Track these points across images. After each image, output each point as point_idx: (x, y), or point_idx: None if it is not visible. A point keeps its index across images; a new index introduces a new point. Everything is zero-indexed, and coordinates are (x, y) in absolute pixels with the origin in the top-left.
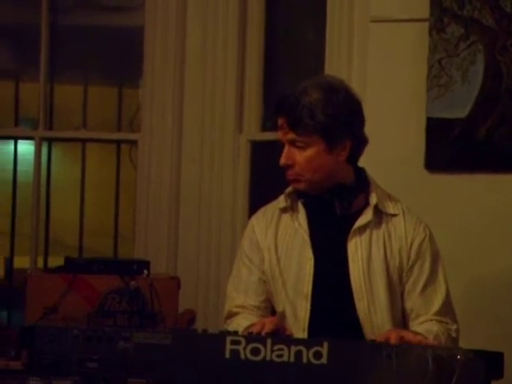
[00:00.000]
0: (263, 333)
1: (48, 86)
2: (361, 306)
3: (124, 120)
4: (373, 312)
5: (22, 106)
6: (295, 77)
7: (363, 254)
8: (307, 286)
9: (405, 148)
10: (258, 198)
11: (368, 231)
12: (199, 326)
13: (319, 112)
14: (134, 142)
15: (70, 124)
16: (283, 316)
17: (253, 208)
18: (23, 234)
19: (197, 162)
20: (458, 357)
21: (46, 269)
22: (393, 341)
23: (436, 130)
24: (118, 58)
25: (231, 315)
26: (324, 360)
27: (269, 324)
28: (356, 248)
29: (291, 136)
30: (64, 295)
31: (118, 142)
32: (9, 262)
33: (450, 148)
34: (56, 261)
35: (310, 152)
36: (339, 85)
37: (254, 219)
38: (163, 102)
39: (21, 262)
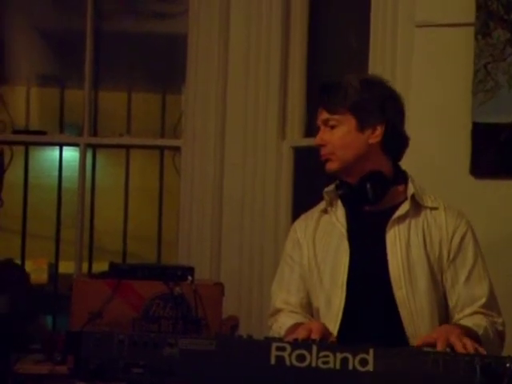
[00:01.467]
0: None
1: (93, 92)
2: (399, 295)
3: (167, 126)
4: (412, 301)
5: (67, 112)
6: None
7: (402, 244)
8: (343, 276)
9: (450, 153)
10: (301, 204)
11: (407, 221)
12: (242, 332)
13: (353, 92)
14: (177, 148)
15: (114, 130)
16: (319, 311)
17: (295, 214)
18: (66, 240)
19: (240, 168)
20: (507, 365)
21: (91, 274)
22: (440, 347)
23: (482, 135)
24: (162, 65)
25: (276, 312)
26: (370, 367)
27: (315, 333)
28: (395, 238)
29: (324, 116)
30: (109, 301)
31: (162, 148)
32: (52, 267)
33: (496, 153)
34: (99, 266)
35: (341, 130)
36: (379, 78)
37: (296, 222)
38: (206, 108)
39: (64, 266)
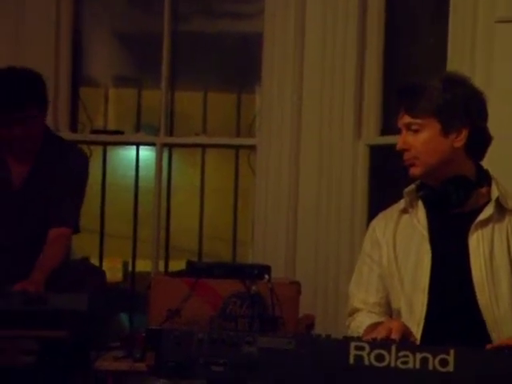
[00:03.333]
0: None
1: (169, 93)
2: (483, 299)
3: (243, 125)
4: (495, 305)
5: (143, 112)
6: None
7: (485, 249)
8: (424, 280)
9: None
10: (377, 203)
11: (490, 225)
12: (318, 331)
13: (436, 95)
14: (252, 147)
15: (190, 130)
16: (399, 313)
17: (371, 212)
18: (141, 238)
19: (315, 166)
20: None
21: (168, 273)
22: None
23: None
24: (237, 64)
25: (354, 311)
26: (450, 368)
27: (395, 332)
28: (478, 242)
29: (407, 119)
30: (186, 299)
31: (237, 148)
32: (127, 265)
33: None
34: (174, 265)
35: (425, 134)
36: (460, 76)
37: (374, 220)
38: (282, 107)
39: (140, 265)
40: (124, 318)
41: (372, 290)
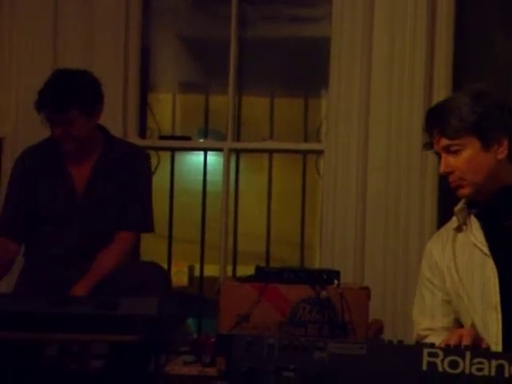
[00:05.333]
0: (462, 345)
1: (236, 98)
2: None
3: (310, 130)
4: None
5: (211, 118)
6: (484, 83)
7: None
8: (495, 297)
9: None
10: (447, 206)
11: None
12: (387, 336)
13: (467, 112)
14: (319, 152)
15: (257, 135)
16: None
17: (442, 216)
18: (208, 243)
19: (383, 171)
20: None
21: (237, 278)
22: None
23: None
24: (304, 69)
25: (420, 339)
26: None
27: (467, 337)
28: None
29: (444, 142)
30: (256, 304)
31: (304, 152)
32: (193, 270)
33: None
34: (241, 269)
35: (466, 154)
36: (487, 89)
37: (430, 243)
38: (349, 111)
39: (206, 269)
40: (191, 322)
41: (438, 315)
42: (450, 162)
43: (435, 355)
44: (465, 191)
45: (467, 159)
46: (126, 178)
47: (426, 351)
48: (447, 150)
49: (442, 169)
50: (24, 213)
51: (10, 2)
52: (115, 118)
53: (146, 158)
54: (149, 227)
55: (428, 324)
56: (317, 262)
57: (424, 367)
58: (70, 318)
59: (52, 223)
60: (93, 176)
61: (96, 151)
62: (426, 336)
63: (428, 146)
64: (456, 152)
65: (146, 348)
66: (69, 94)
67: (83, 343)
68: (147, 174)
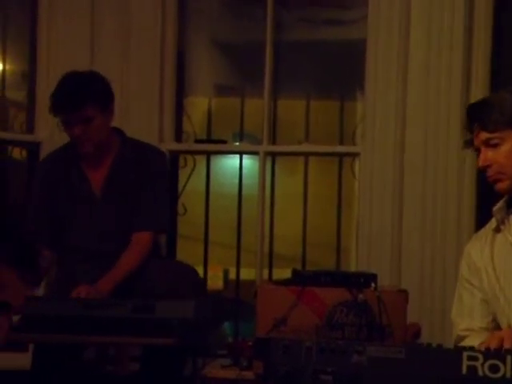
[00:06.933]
0: (503, 349)
1: (271, 101)
2: None
3: (346, 133)
4: None
5: (246, 121)
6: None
7: None
8: None
9: None
10: (485, 209)
11: None
12: (424, 340)
13: (508, 106)
14: (355, 155)
15: (292, 138)
16: None
17: (479, 218)
18: (243, 246)
19: (420, 173)
20: None
21: (274, 281)
22: None
23: None
24: (339, 72)
25: (459, 339)
26: None
27: (508, 340)
28: None
29: (484, 136)
30: (293, 307)
31: (340, 155)
32: (228, 273)
33: None
34: (277, 273)
35: (505, 147)
36: None
37: (469, 244)
38: (385, 114)
39: (241, 273)
40: (226, 325)
41: (477, 315)
42: (488, 155)
43: (475, 359)
44: (503, 185)
45: (506, 153)
46: (142, 179)
47: (465, 355)
48: (487, 143)
49: (481, 163)
50: (48, 218)
51: (47, 6)
52: (151, 122)
53: (162, 158)
54: (163, 227)
55: (467, 325)
56: (353, 264)
57: (464, 371)
58: (108, 321)
59: (71, 227)
60: (109, 179)
61: (112, 154)
62: (465, 337)
63: (468, 143)
64: (495, 146)
65: (182, 351)
66: (82, 91)
67: (120, 346)
68: (163, 174)
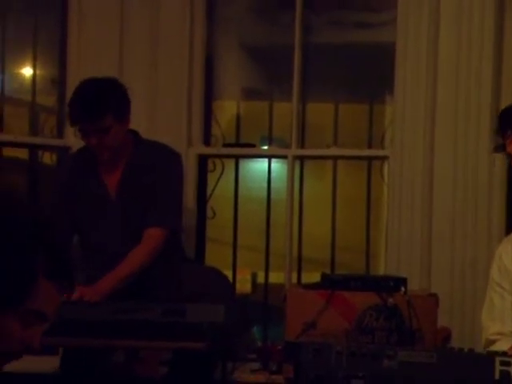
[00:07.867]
0: None
1: (300, 105)
2: None
3: (375, 136)
4: None
5: (275, 125)
6: None
7: None
8: None
9: None
10: None
11: None
12: (454, 345)
13: None
14: (385, 159)
15: (321, 142)
16: None
17: (510, 222)
18: (271, 250)
19: (450, 178)
20: None
21: (303, 285)
22: None
23: None
24: (368, 75)
25: (489, 343)
26: None
27: None
28: None
29: None
30: (322, 311)
31: (369, 159)
32: (256, 277)
33: None
34: (306, 276)
35: None
36: None
37: (500, 247)
38: (415, 117)
39: (270, 277)
40: (255, 329)
41: (507, 319)
42: None
43: (508, 364)
44: None
45: None
46: (155, 179)
47: (498, 360)
48: None
49: None
50: (68, 220)
51: (77, 12)
52: (180, 126)
53: (176, 159)
54: (174, 225)
55: (498, 329)
56: (382, 268)
57: (496, 376)
58: (138, 324)
59: (89, 230)
60: (123, 180)
61: (126, 156)
62: (495, 341)
63: (499, 148)
64: None
65: (211, 355)
66: (100, 102)
67: (151, 350)
68: (176, 174)
